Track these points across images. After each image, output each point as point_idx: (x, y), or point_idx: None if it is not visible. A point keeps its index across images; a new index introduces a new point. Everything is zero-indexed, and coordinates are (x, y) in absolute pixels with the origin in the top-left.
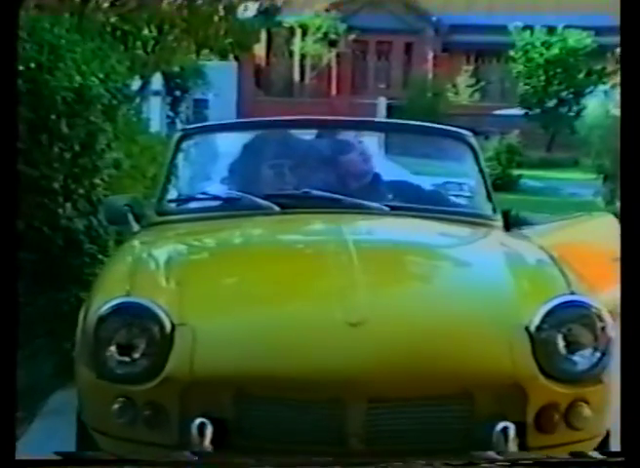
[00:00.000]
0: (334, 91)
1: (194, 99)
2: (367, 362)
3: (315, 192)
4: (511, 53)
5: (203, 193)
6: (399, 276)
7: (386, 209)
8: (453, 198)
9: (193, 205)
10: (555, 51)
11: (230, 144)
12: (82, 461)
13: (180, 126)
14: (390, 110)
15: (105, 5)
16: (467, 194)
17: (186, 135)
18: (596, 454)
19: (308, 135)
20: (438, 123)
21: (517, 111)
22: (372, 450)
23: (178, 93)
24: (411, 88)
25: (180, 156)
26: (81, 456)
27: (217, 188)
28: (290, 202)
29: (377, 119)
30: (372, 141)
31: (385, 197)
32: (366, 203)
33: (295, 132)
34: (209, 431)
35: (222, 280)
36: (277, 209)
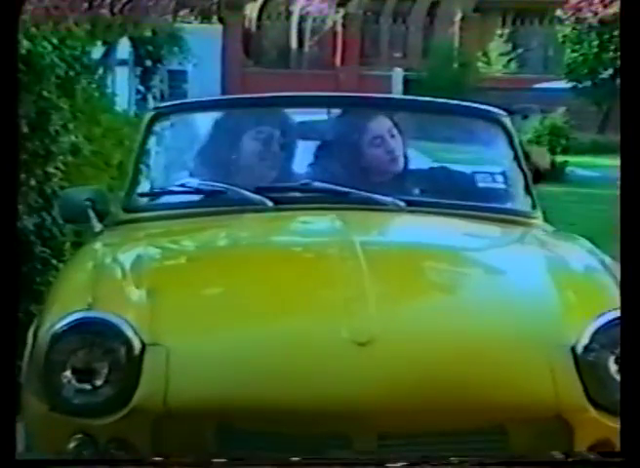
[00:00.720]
0: (339, 61)
1: (169, 71)
2: (377, 389)
3: (316, 184)
4: (557, 12)
5: (181, 185)
6: (417, 285)
7: (402, 204)
8: (483, 191)
9: (169, 199)
10: (614, 9)
11: (214, 126)
12: (82, 461)
13: (152, 103)
14: (407, 84)
15: None
16: (501, 186)
17: (160, 114)
18: (596, 455)
19: (308, 115)
20: (465, 100)
21: (563, 84)
22: None
23: (149, 63)
24: (433, 57)
25: (153, 140)
26: (81, 456)
27: (197, 179)
28: (286, 196)
29: (391, 95)
30: (384, 123)
31: (401, 190)
32: (377, 197)
33: (292, 111)
34: None
35: (204, 290)
36: (270, 204)
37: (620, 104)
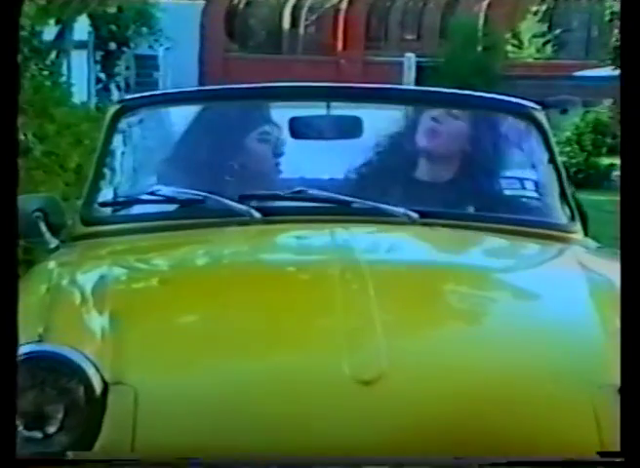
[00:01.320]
0: (341, 44)
1: (137, 56)
2: (385, 437)
3: (313, 192)
4: None
5: (151, 193)
6: (434, 313)
7: (415, 215)
8: (511, 200)
9: (136, 210)
10: None
11: (191, 123)
12: (82, 461)
13: (116, 95)
14: (422, 72)
15: None
16: (533, 194)
17: (126, 108)
18: (595, 455)
19: (303, 109)
20: (491, 91)
21: (609, 72)
22: None
23: (113, 45)
24: (452, 39)
25: (118, 139)
26: (81, 456)
27: (171, 186)
28: (276, 206)
29: (402, 86)
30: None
31: (414, 199)
32: (386, 207)
33: (284, 105)
34: None
35: (179, 319)
36: (258, 215)
37: (621, 104)
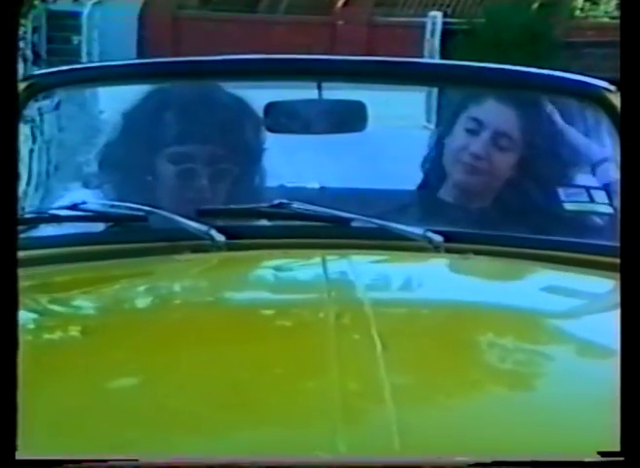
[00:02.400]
0: (341, 0)
1: (51, 12)
2: None
3: (298, 205)
4: None
5: (72, 207)
6: (462, 373)
7: (439, 239)
8: (573, 217)
9: (52, 231)
10: None
11: (128, 110)
12: (82, 461)
13: (22, 69)
14: (450, 38)
15: None
16: (605, 209)
17: (37, 87)
18: (595, 455)
19: (287, 90)
20: (548, 66)
21: None
22: None
23: None
24: None
25: (25, 131)
26: (81, 456)
27: (100, 197)
28: (247, 225)
29: (424, 60)
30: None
31: (437, 216)
32: (398, 227)
33: (258, 85)
34: None
35: (109, 384)
36: (221, 238)
37: (621, 104)
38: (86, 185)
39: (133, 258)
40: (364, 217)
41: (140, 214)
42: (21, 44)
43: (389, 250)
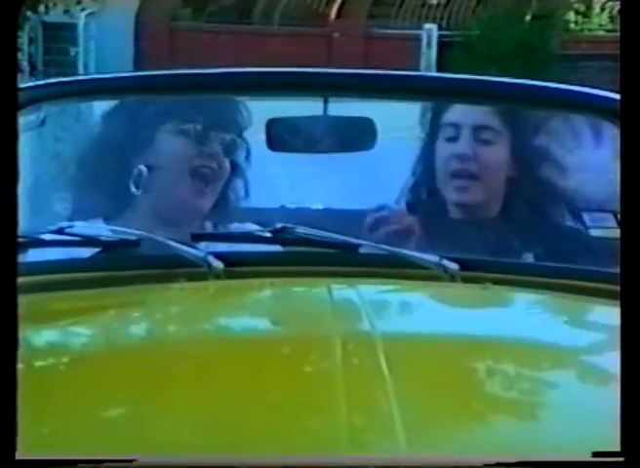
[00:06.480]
0: (334, 12)
1: (46, 23)
2: None
3: (301, 230)
4: None
5: (59, 231)
6: (479, 409)
7: (454, 267)
8: (595, 243)
9: (35, 256)
10: None
11: (120, 125)
12: (82, 461)
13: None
14: (446, 51)
15: None
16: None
17: (26, 100)
18: (595, 455)
19: (286, 106)
20: (545, 78)
21: None
22: None
23: None
24: (490, 5)
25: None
26: (81, 456)
27: (88, 221)
28: (247, 251)
29: (428, 73)
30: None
31: (453, 242)
32: (410, 254)
33: (257, 99)
34: None
35: (100, 416)
36: (219, 265)
37: (621, 104)
38: (74, 207)
39: (123, 287)
40: (373, 244)
41: (132, 238)
42: (18, 55)
43: (401, 278)
